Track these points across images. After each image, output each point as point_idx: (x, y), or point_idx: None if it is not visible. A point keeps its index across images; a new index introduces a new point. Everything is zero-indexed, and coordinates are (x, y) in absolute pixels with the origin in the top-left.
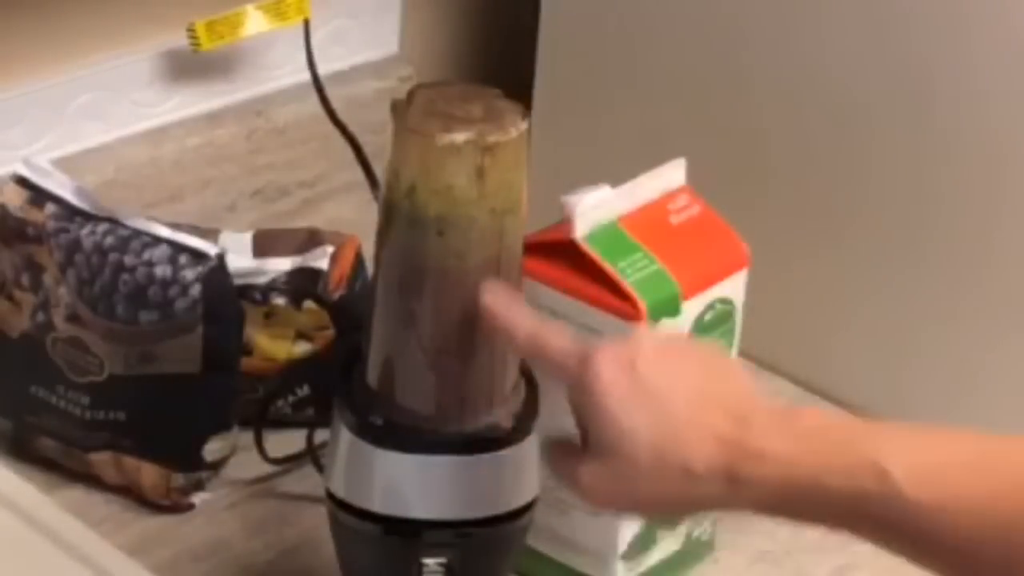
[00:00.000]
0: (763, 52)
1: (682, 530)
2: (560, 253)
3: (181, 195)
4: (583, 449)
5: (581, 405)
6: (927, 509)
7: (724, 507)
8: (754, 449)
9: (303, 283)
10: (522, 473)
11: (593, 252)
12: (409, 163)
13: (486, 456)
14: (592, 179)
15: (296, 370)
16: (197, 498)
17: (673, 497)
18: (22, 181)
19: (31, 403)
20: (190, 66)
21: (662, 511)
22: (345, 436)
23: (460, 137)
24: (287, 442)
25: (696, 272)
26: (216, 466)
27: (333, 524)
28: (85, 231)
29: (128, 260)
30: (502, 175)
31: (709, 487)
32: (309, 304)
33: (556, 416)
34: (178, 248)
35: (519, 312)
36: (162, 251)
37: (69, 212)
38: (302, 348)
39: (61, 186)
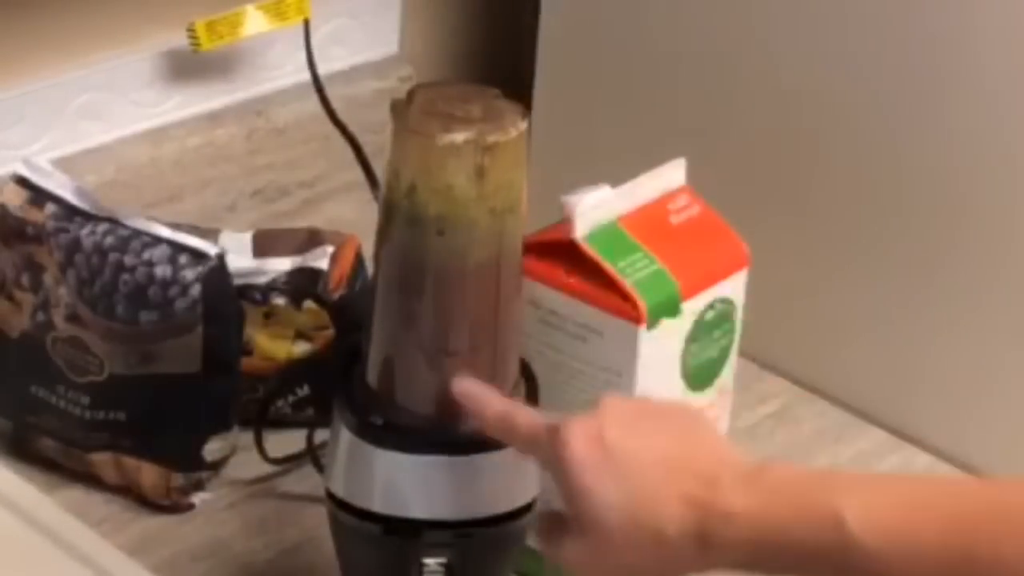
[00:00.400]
0: (763, 52)
1: None
2: (560, 253)
3: (181, 195)
4: (568, 524)
5: (556, 480)
6: (881, 554)
7: (700, 569)
8: (722, 510)
9: (303, 283)
10: (522, 473)
11: (593, 252)
12: (409, 163)
13: (486, 456)
14: (592, 179)
15: (296, 370)
16: (197, 498)
17: (650, 564)
18: (22, 181)
19: (31, 403)
20: (190, 66)
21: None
22: (345, 436)
23: (460, 137)
24: (287, 442)
25: (696, 272)
26: (216, 466)
27: (333, 524)
28: (85, 231)
29: (128, 260)
30: (502, 175)
31: (683, 551)
32: (309, 304)
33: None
34: (178, 248)
35: (488, 395)
36: (162, 251)
37: (69, 212)
38: (302, 348)
39: (61, 186)
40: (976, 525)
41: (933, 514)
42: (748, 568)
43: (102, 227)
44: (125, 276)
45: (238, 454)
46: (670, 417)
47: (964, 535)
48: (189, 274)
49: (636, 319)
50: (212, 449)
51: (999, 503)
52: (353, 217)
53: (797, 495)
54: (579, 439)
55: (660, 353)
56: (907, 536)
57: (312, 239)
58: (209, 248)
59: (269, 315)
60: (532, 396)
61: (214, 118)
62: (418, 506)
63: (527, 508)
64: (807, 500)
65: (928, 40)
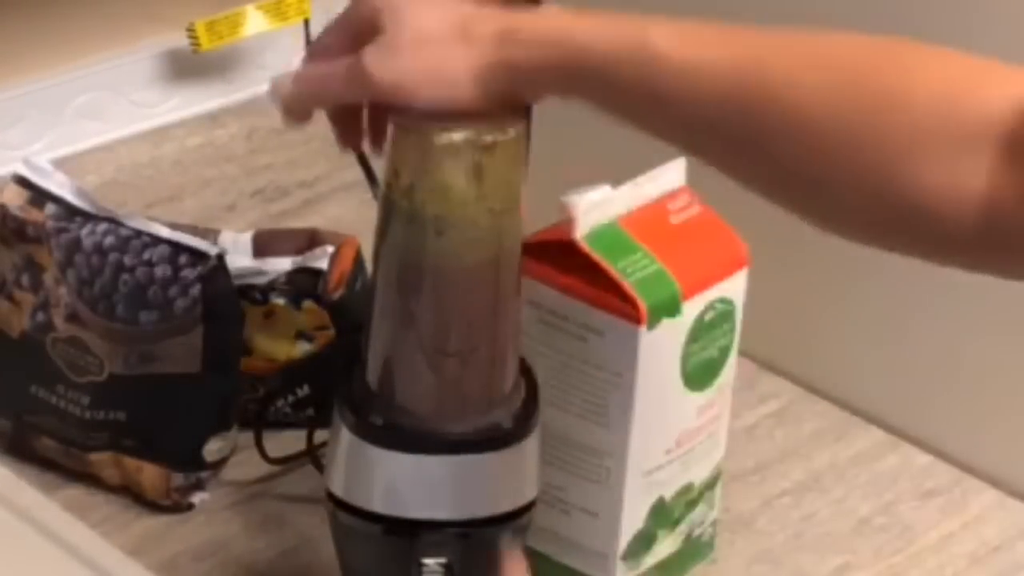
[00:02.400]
0: None
1: (682, 530)
2: (560, 253)
3: (181, 195)
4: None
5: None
6: (679, 68)
7: (495, 78)
8: (530, 18)
9: (303, 283)
10: (522, 473)
11: (593, 252)
12: (407, 162)
13: (486, 456)
14: (592, 179)
15: (296, 370)
16: (197, 498)
17: (446, 57)
18: (22, 181)
19: (31, 403)
20: (190, 66)
21: (434, 75)
22: (345, 436)
23: (458, 136)
24: (287, 442)
25: (696, 272)
26: (216, 466)
27: (333, 524)
28: (85, 231)
29: (128, 260)
30: (500, 174)
31: (482, 47)
32: (309, 304)
33: (557, 418)
34: (178, 248)
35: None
36: (162, 251)
37: (69, 212)
38: (302, 348)
39: (61, 186)
40: (777, 51)
41: (736, 39)
42: (542, 84)
43: (102, 227)
44: (125, 276)
45: (238, 454)
46: None
47: (761, 57)
48: (189, 274)
49: (636, 319)
50: (212, 449)
51: (810, 40)
52: (353, 217)
53: (606, 16)
54: None
55: (660, 353)
56: (707, 56)
57: (312, 239)
58: (209, 248)
59: (269, 315)
60: (532, 396)
61: (214, 118)
62: (418, 506)
63: (527, 508)
64: (615, 19)
65: (928, 40)
